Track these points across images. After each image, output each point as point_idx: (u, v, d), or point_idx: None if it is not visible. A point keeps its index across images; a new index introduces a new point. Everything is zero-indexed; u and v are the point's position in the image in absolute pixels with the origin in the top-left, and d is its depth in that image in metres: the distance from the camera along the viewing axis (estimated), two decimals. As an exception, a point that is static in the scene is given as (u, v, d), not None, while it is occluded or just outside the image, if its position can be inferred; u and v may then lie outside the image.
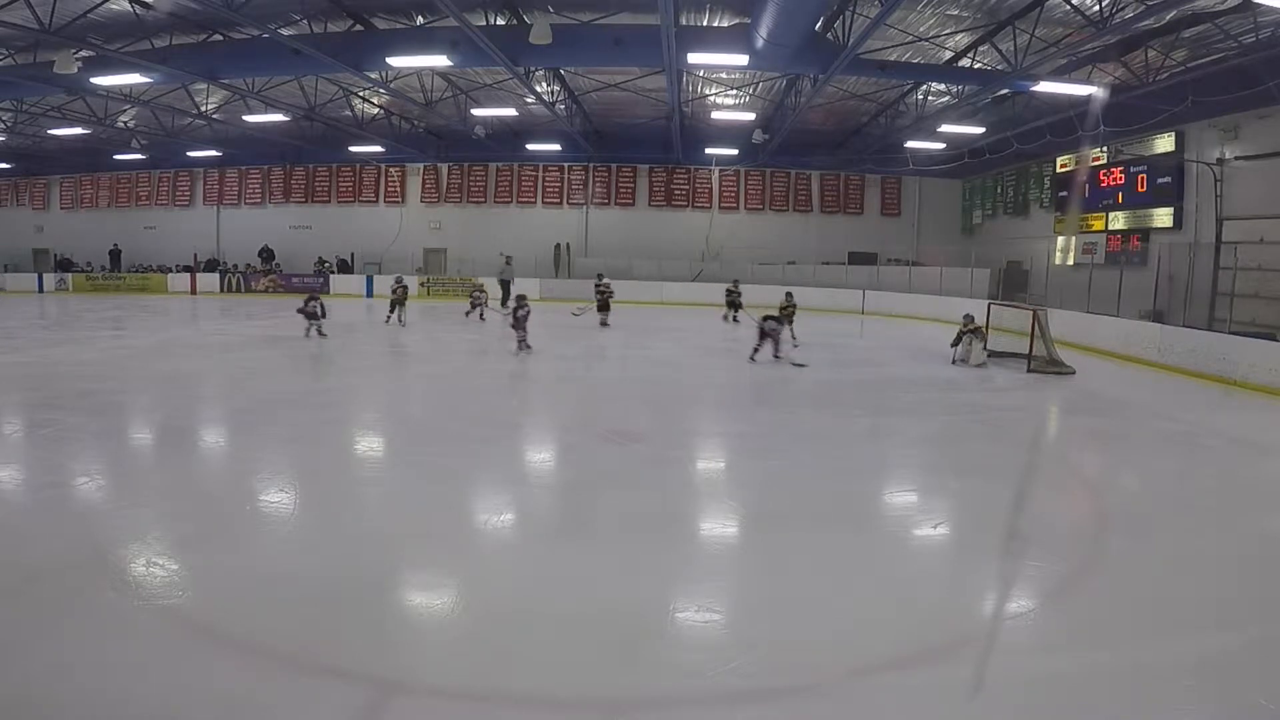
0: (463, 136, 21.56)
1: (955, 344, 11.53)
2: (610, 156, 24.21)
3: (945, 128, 17.29)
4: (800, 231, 24.48)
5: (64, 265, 25.77)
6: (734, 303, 16.89)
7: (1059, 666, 3.12)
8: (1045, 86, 13.08)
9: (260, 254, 25.34)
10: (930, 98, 16.86)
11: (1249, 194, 13.42)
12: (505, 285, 20.08)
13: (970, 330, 11.37)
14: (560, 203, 25.07)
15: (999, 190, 22.01)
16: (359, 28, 12.96)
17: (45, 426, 6.91)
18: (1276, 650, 3.34)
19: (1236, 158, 13.74)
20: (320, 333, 13.12)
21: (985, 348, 11.45)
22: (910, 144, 19.52)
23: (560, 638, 3.29)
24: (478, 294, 16.84)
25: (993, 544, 4.31)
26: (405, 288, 16.13)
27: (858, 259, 23.51)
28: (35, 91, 15.63)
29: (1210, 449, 7.39)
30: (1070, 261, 17.55)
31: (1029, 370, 10.91)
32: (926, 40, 12.98)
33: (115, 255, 25.77)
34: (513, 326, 11.61)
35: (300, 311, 13.23)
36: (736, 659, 3.13)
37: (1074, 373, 10.90)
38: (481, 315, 16.40)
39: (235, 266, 25.21)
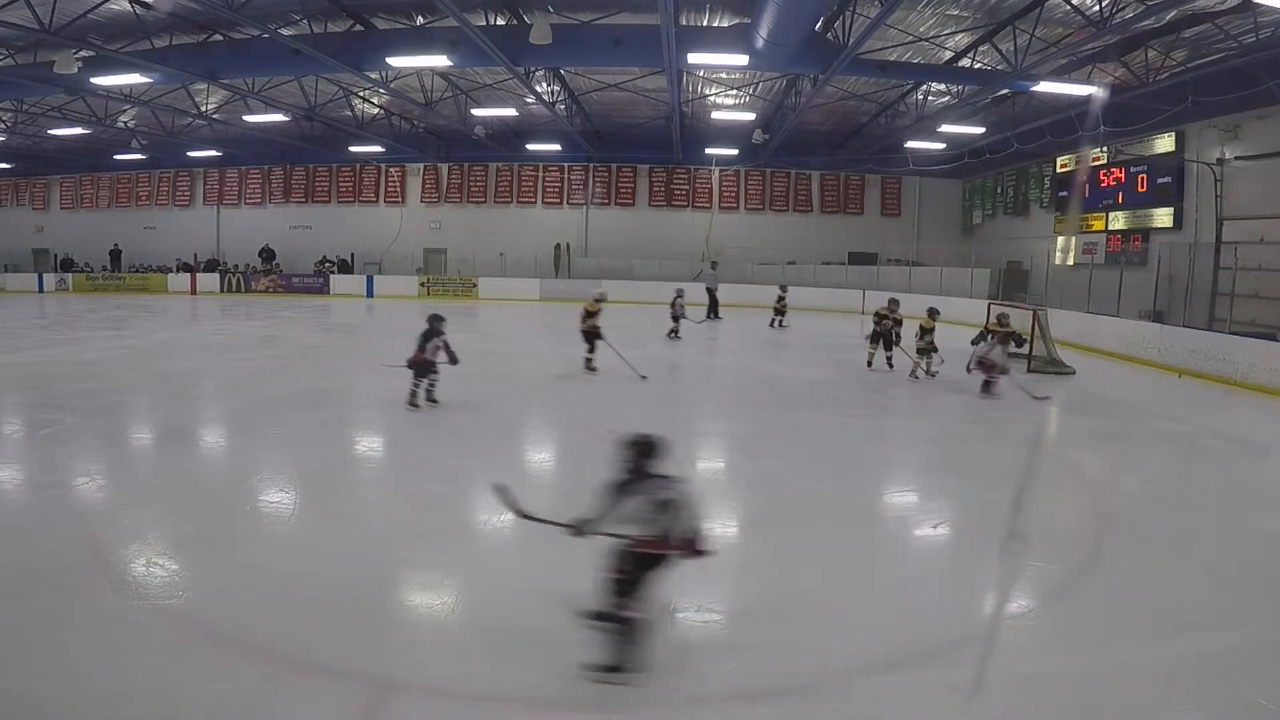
0: (463, 136, 21.56)
1: (976, 342, 9.94)
2: (610, 156, 24.23)
3: (945, 128, 17.29)
4: (800, 231, 24.48)
5: (64, 265, 25.78)
6: (884, 332, 11.27)
7: (1059, 666, 3.12)
8: (1045, 86, 13.08)
9: (260, 254, 25.35)
10: (930, 98, 16.86)
11: (1249, 194, 13.43)
12: (712, 294, 18.29)
13: (1003, 331, 9.86)
14: (560, 203, 25.07)
15: (999, 190, 22.01)
16: (359, 28, 12.97)
17: (45, 426, 6.91)
18: (1276, 650, 3.34)
19: (1236, 158, 13.74)
20: (430, 396, 7.72)
21: (1007, 352, 9.86)
22: (910, 144, 19.53)
23: (560, 638, 3.28)
24: (679, 303, 14.32)
25: (992, 544, 4.29)
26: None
27: (858, 259, 23.51)
28: (35, 91, 15.63)
29: (1210, 449, 7.39)
30: (1070, 261, 17.55)
31: (1029, 370, 10.90)
32: (926, 40, 12.98)
33: (115, 255, 25.78)
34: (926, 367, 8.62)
35: (413, 363, 7.54)
36: (736, 659, 3.13)
37: (1074, 373, 10.91)
38: (676, 332, 14.16)
39: (235, 266, 25.22)
